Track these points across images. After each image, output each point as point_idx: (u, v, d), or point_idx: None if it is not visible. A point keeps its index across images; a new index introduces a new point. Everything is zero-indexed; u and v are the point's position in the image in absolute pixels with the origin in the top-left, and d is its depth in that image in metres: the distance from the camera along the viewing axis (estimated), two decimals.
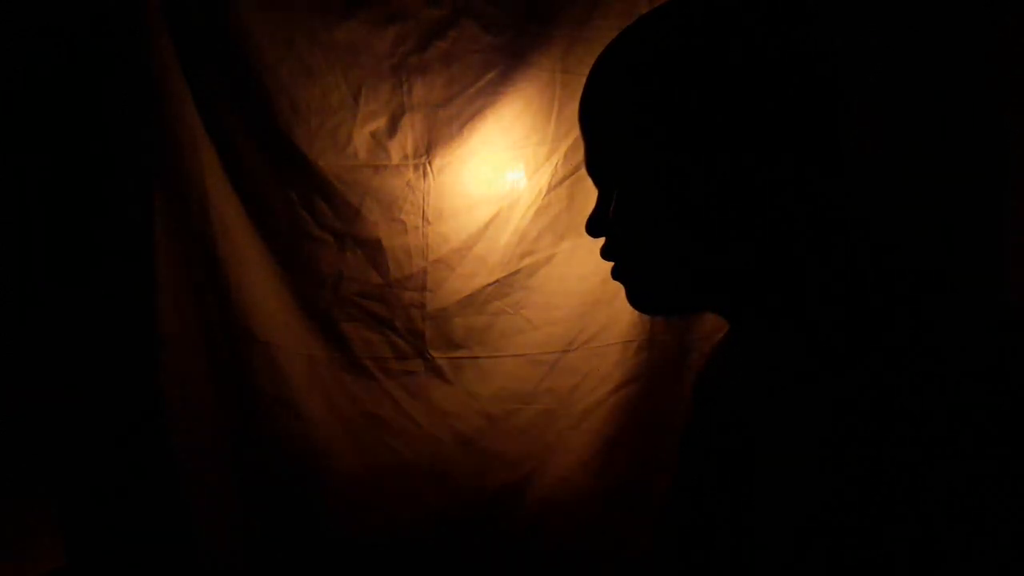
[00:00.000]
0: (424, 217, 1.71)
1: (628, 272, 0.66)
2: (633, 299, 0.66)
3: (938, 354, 0.49)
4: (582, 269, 1.72)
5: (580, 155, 1.66)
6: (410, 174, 1.70)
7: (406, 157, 1.70)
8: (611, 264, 0.67)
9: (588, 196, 1.64)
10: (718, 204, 0.58)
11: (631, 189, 0.63)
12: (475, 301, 1.73)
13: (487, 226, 1.71)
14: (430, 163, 1.70)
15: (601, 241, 0.67)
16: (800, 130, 0.56)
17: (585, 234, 0.68)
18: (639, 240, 0.63)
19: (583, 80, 0.66)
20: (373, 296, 1.72)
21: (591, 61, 0.66)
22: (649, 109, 0.59)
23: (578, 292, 1.72)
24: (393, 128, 1.69)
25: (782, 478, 0.56)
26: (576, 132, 1.65)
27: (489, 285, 1.73)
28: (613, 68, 0.63)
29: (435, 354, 1.74)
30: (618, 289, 0.67)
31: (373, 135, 1.68)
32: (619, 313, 1.71)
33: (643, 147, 0.60)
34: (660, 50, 0.59)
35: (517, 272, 1.72)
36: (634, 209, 0.63)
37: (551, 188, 1.70)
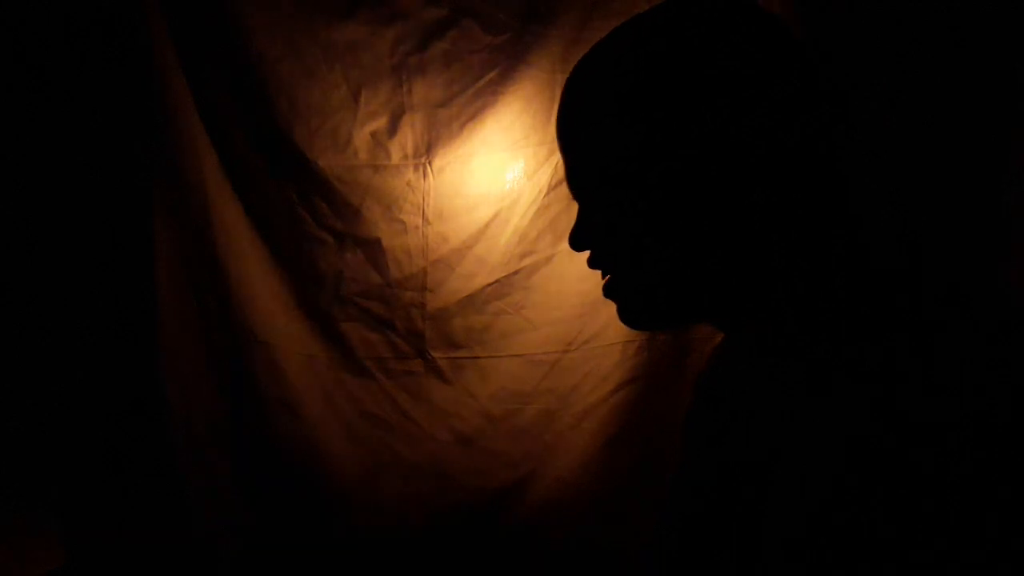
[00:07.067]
0: (424, 217, 1.71)
1: (616, 289, 0.65)
2: (623, 315, 0.66)
3: (938, 358, 0.49)
4: (582, 269, 1.69)
5: None
6: (410, 174, 1.70)
7: (406, 157, 1.70)
8: None
9: None
10: (698, 217, 0.57)
11: (609, 203, 0.62)
12: (475, 301, 1.73)
13: (487, 226, 1.71)
14: (430, 163, 1.70)
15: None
16: (784, 139, 0.55)
17: None
18: (621, 254, 0.63)
19: None
20: (373, 296, 1.72)
21: None
22: (626, 123, 0.58)
23: (578, 292, 1.72)
24: (393, 128, 1.69)
25: (784, 478, 0.56)
26: None
27: (489, 285, 1.72)
28: (589, 81, 0.62)
29: (435, 354, 1.74)
30: None
31: (373, 135, 1.69)
32: None
33: (619, 161, 0.59)
34: (637, 63, 0.58)
35: (517, 272, 1.72)
36: (613, 222, 0.62)
37: (551, 188, 1.70)
